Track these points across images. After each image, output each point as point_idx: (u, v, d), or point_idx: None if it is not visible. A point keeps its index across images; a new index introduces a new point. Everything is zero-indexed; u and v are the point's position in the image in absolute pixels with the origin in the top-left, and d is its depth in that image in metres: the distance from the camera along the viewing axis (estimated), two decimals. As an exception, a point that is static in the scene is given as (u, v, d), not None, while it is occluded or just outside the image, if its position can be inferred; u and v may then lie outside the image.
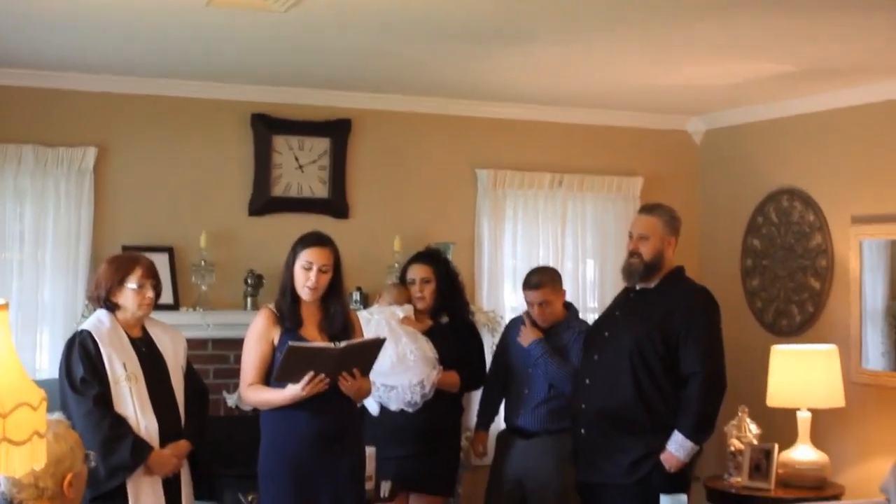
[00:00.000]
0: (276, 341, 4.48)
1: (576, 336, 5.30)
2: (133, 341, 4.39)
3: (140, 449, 4.21)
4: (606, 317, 5.13)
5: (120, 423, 4.22)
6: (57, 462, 2.71)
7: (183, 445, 4.39)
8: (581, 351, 5.17)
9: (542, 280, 5.45)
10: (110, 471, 4.13)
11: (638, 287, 4.93)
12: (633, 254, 4.90)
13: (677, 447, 4.68)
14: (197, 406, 4.56)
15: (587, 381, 4.92)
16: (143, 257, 4.53)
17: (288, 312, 4.50)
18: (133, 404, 4.27)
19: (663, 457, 4.70)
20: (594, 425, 4.85)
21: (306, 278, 4.46)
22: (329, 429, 4.43)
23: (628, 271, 4.94)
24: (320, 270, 4.46)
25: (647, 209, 5.08)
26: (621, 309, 5.00)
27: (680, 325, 4.73)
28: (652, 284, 4.88)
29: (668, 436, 4.70)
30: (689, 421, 4.69)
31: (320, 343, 4.40)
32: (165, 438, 4.32)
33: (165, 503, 4.32)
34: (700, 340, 4.73)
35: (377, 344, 4.50)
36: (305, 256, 4.48)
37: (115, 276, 4.37)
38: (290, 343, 4.29)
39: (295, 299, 4.51)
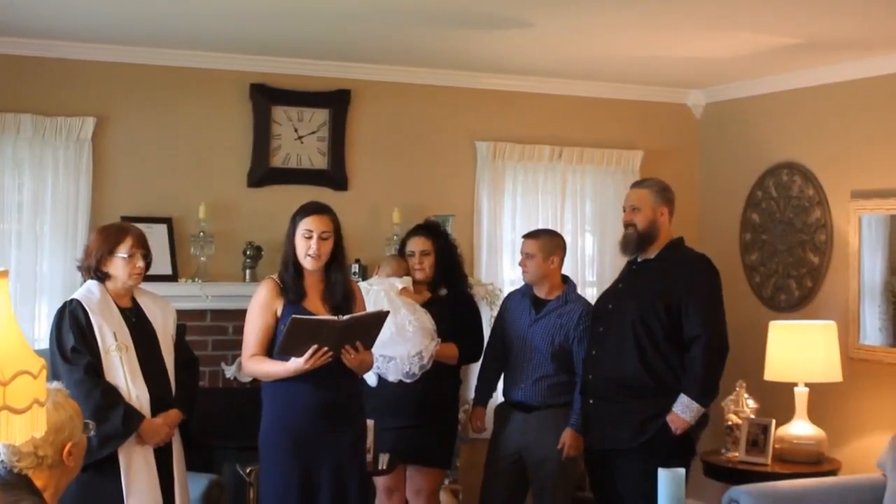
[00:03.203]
0: (279, 312, 4.47)
1: (579, 334, 5.28)
2: (123, 311, 4.39)
3: (132, 417, 4.21)
4: (610, 290, 5.26)
5: (111, 392, 4.21)
6: (56, 431, 2.72)
7: (174, 414, 4.39)
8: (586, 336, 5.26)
9: (538, 234, 5.53)
10: (102, 439, 4.12)
11: (639, 259, 5.06)
12: (627, 225, 5.08)
13: (683, 409, 4.80)
14: (187, 375, 4.56)
15: (593, 352, 5.06)
16: (134, 227, 4.52)
17: (291, 284, 4.49)
18: (124, 373, 4.26)
19: (670, 418, 4.82)
20: (602, 395, 4.98)
21: (307, 246, 4.46)
22: (331, 401, 4.43)
23: (624, 242, 5.10)
24: (321, 237, 4.46)
25: (637, 183, 5.29)
26: (624, 282, 5.14)
27: (681, 291, 4.86)
28: (652, 255, 5.01)
29: (673, 399, 4.82)
30: (694, 383, 4.82)
31: (324, 316, 4.40)
32: (156, 407, 4.32)
33: (157, 472, 4.33)
34: (701, 305, 4.86)
35: (380, 317, 4.50)
36: (305, 225, 4.47)
37: (105, 245, 4.36)
38: (294, 316, 4.28)
39: (298, 271, 4.51)
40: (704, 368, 4.82)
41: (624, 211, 5.15)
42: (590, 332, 5.16)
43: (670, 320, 4.86)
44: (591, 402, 5.04)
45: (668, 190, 5.10)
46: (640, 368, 4.87)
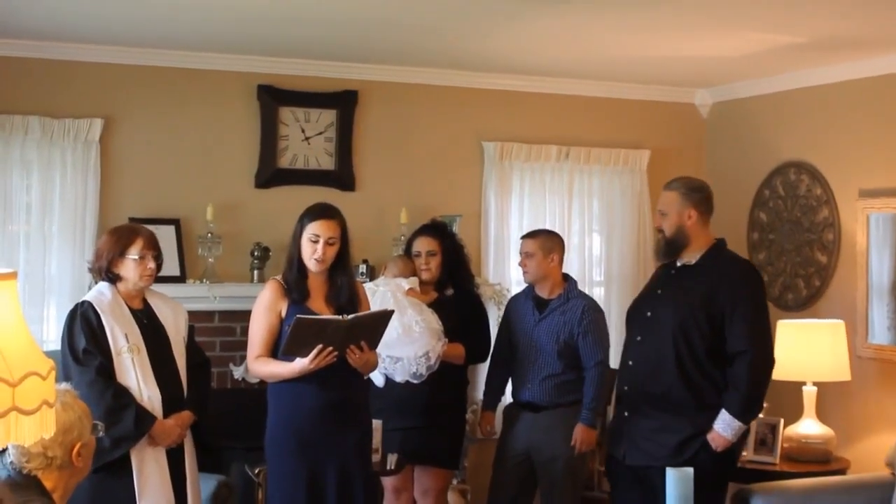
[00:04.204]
0: (283, 313, 4.48)
1: (583, 328, 5.28)
2: (134, 313, 4.39)
3: (143, 419, 4.22)
4: (647, 295, 4.93)
5: (123, 394, 4.22)
6: (65, 431, 2.73)
7: (186, 416, 4.40)
8: (594, 342, 5.26)
9: (537, 233, 5.53)
10: (114, 441, 4.13)
11: (679, 263, 4.77)
12: (658, 230, 4.83)
13: (725, 427, 4.55)
14: (198, 377, 4.57)
15: (630, 362, 4.80)
16: (144, 228, 4.53)
17: (295, 284, 4.49)
18: (136, 375, 4.27)
19: (710, 437, 4.57)
20: (638, 408, 4.73)
21: (313, 250, 4.46)
22: (336, 401, 4.43)
23: (655, 249, 4.88)
24: (327, 243, 4.46)
25: (667, 184, 4.91)
26: (663, 287, 4.82)
27: (725, 302, 4.57)
28: (692, 260, 4.72)
29: (714, 415, 4.58)
30: (737, 400, 4.55)
31: (328, 315, 4.40)
32: (168, 409, 4.33)
33: (169, 474, 4.34)
34: (747, 318, 4.56)
35: (385, 316, 4.50)
36: (312, 229, 4.47)
37: (116, 247, 4.37)
38: (298, 316, 4.28)
39: (302, 271, 4.51)
40: (749, 385, 4.55)
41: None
42: (625, 341, 4.94)
43: (713, 331, 4.57)
44: (625, 414, 4.78)
45: (698, 189, 4.77)
46: (680, 381, 4.59)
